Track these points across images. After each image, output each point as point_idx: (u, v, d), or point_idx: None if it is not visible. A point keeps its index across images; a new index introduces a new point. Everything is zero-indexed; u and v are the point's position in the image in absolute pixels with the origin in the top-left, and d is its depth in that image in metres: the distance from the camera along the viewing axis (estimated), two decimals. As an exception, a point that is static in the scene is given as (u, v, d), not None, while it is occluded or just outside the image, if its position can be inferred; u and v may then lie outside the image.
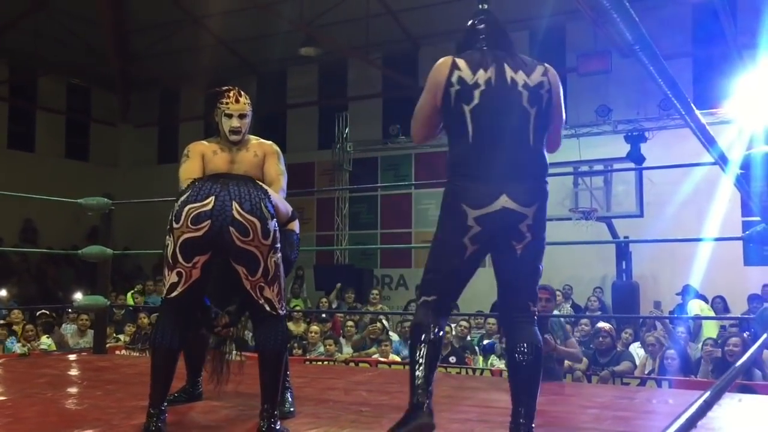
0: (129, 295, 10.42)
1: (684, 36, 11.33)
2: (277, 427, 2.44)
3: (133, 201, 6.82)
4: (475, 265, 2.37)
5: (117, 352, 7.07)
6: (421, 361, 2.24)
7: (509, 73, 2.36)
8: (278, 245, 2.53)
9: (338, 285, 10.97)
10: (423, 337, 2.28)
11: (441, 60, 2.40)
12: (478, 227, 2.28)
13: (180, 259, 2.44)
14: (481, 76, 2.33)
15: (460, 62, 2.36)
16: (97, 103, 16.72)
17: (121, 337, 8.58)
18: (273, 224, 2.50)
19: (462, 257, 2.32)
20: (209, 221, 2.41)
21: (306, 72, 15.14)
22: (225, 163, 2.75)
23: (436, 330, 2.30)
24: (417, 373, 2.23)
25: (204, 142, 2.85)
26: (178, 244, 2.44)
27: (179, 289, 2.47)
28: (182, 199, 2.48)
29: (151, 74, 15.63)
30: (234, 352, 2.95)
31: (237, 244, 2.42)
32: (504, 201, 2.26)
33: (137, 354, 7.37)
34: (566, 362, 5.04)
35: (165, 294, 2.52)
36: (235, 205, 2.43)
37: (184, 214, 2.44)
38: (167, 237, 2.50)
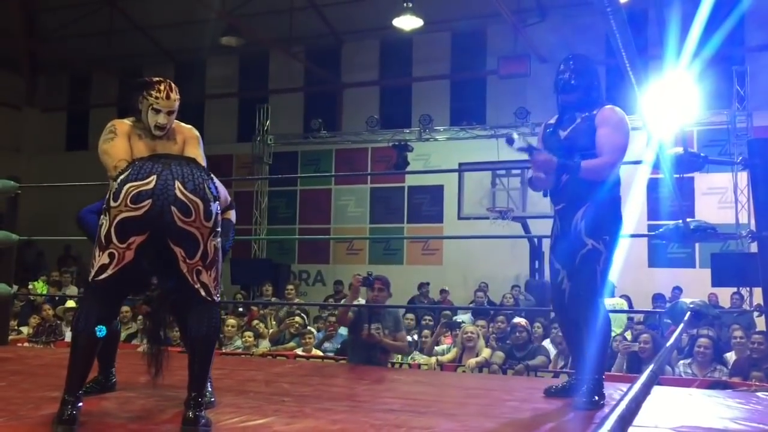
0: (37, 283, 9.91)
1: (598, 45, 11.71)
2: (203, 416, 2.38)
3: (41, 185, 6.50)
4: None
5: (19, 344, 6.71)
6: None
7: None
8: (219, 229, 2.45)
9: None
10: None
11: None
12: None
13: (114, 239, 2.34)
14: None
15: None
16: (0, 84, 15.86)
17: (24, 329, 8.15)
18: (215, 207, 2.42)
19: None
20: (150, 200, 2.32)
21: (226, 62, 14.86)
22: (148, 150, 2.64)
23: None
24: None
25: (126, 121, 2.72)
26: (114, 224, 2.33)
27: (109, 271, 2.35)
28: (121, 177, 2.38)
29: (60, 56, 14.97)
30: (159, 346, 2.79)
31: (178, 224, 2.33)
32: None
33: (41, 347, 7.04)
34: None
35: (92, 277, 2.39)
36: (177, 184, 2.34)
37: (123, 192, 2.33)
38: (102, 217, 2.40)
